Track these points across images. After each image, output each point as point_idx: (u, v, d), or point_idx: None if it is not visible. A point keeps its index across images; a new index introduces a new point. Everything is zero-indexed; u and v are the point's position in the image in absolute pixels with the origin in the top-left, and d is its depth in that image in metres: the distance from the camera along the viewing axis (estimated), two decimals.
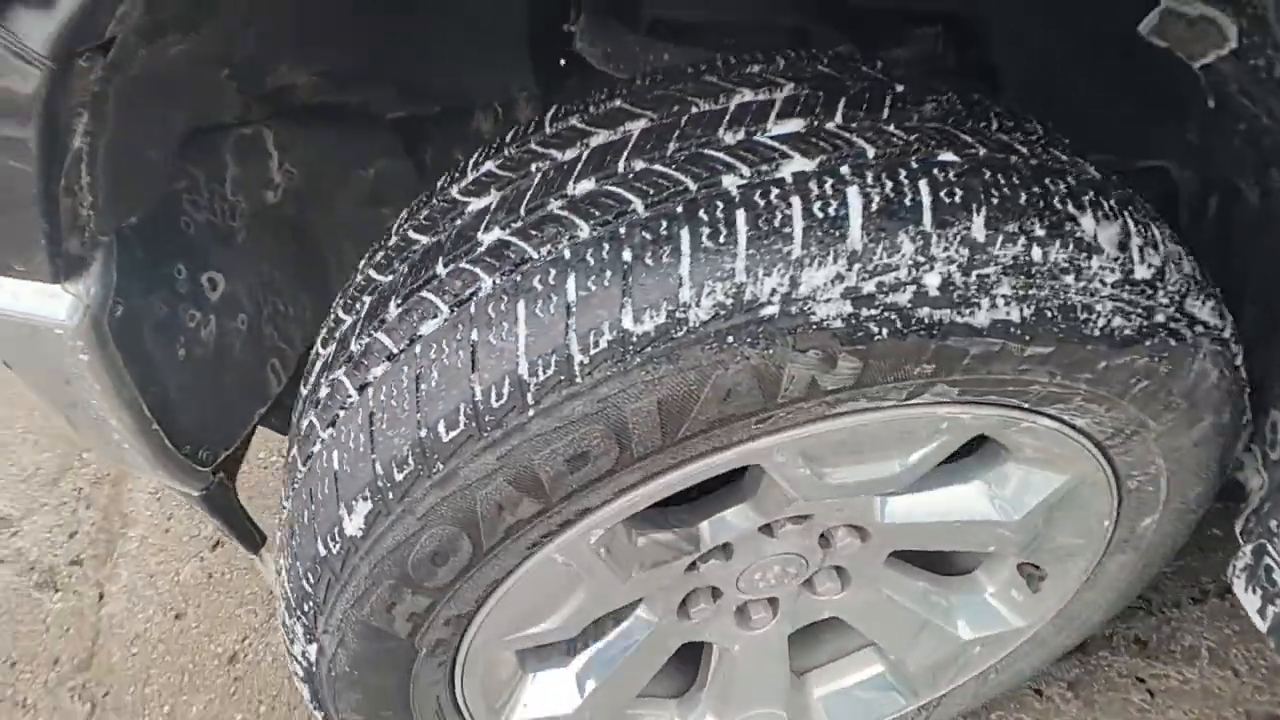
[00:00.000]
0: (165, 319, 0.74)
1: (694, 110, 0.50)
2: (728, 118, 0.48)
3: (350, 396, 0.52)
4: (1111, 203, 0.48)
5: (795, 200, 0.42)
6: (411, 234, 0.57)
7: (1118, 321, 0.48)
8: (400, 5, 0.78)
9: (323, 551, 0.51)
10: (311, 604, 0.55)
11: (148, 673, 1.21)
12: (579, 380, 0.43)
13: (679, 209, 0.44)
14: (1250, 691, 1.03)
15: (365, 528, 0.49)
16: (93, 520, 1.45)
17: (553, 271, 0.45)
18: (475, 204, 0.54)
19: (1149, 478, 0.64)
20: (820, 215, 0.42)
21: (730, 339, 0.42)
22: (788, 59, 0.54)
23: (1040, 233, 0.45)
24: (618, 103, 0.53)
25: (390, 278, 0.55)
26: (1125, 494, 0.66)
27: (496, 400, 0.44)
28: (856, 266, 0.42)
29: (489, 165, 0.55)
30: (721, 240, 0.42)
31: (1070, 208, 0.47)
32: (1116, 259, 0.47)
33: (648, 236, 0.44)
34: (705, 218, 0.43)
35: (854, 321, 0.43)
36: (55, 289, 0.60)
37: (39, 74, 0.45)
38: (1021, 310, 0.45)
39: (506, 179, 0.53)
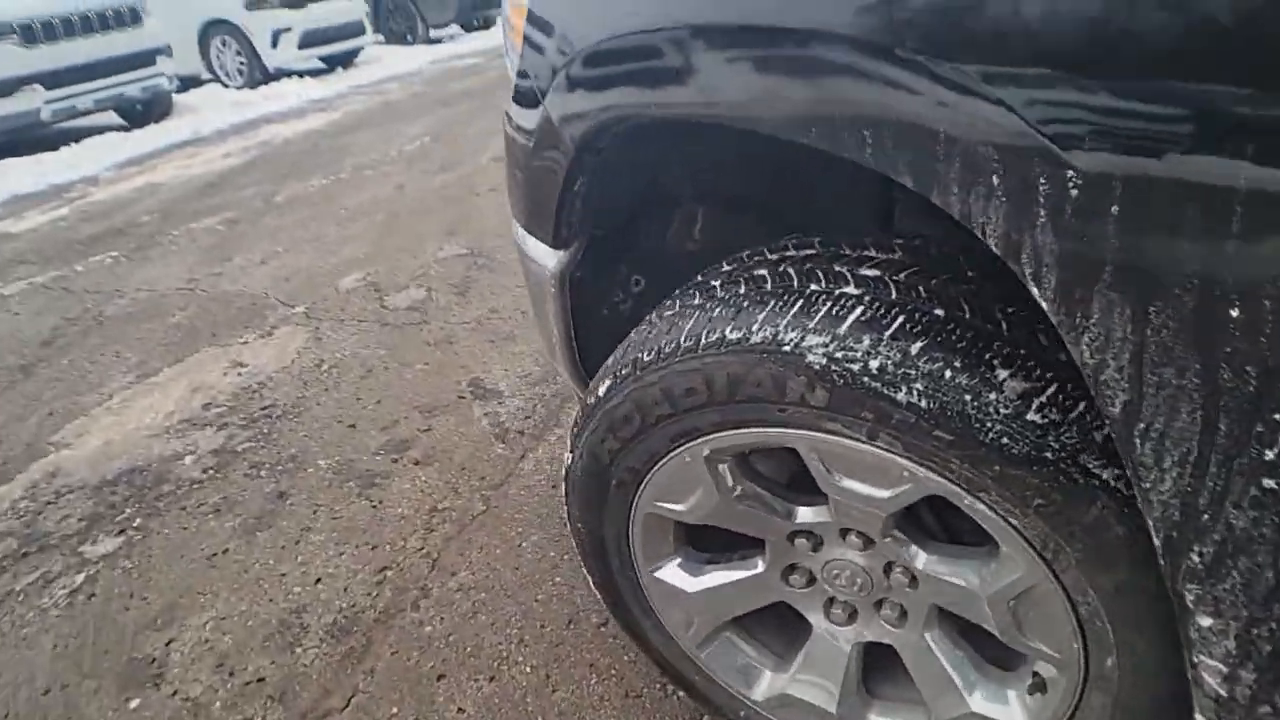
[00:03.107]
0: (603, 291, 1.35)
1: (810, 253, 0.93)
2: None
3: (629, 342, 1.05)
4: (1031, 364, 0.77)
5: (824, 296, 0.83)
6: (700, 275, 1.08)
7: (1005, 442, 0.76)
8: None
9: (590, 401, 1.05)
10: (576, 426, 1.09)
11: (522, 507, 1.92)
12: (699, 352, 0.89)
13: (776, 280, 0.88)
14: None
15: (604, 394, 1.02)
16: (542, 413, 2.25)
17: (716, 300, 0.92)
18: (724, 266, 1.03)
19: (1092, 610, 0.83)
20: (830, 309, 0.82)
21: (765, 354, 0.84)
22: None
23: (957, 364, 0.77)
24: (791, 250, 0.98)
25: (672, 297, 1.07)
26: (1081, 619, 0.85)
27: (668, 349, 0.93)
28: (837, 338, 0.81)
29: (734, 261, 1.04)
30: (777, 306, 0.85)
31: (995, 360, 0.77)
32: (1007, 414, 0.76)
33: (758, 294, 0.89)
34: (786, 293, 0.86)
35: (825, 368, 0.81)
36: (553, 252, 1.24)
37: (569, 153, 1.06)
38: (929, 403, 0.77)
39: (740, 264, 1.01)
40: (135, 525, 1.96)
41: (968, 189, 0.60)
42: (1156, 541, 0.62)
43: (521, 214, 1.30)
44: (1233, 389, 0.53)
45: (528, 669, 1.48)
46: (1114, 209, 0.53)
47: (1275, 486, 0.53)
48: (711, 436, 0.96)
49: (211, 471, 2.13)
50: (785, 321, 0.85)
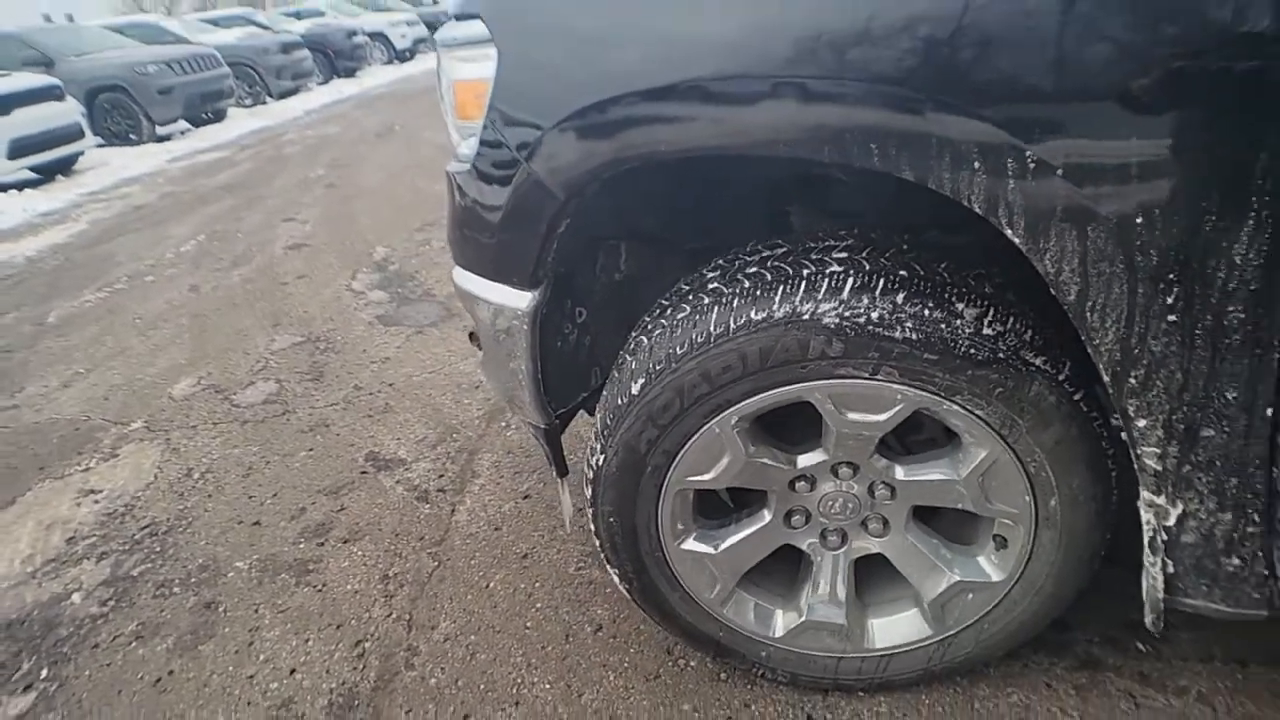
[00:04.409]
0: (557, 323, 1.52)
1: (784, 250, 1.19)
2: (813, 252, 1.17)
3: (641, 341, 1.24)
4: (974, 296, 1.08)
5: (818, 276, 1.10)
6: (683, 286, 1.30)
7: (972, 352, 1.06)
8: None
9: (620, 403, 1.23)
10: (605, 430, 1.26)
11: (474, 554, 1.99)
12: (730, 336, 1.12)
13: (773, 273, 1.13)
14: None
15: (638, 392, 1.20)
16: (454, 470, 2.32)
17: (730, 295, 1.15)
18: (708, 272, 1.26)
19: (1039, 465, 1.15)
20: (837, 290, 1.09)
21: (787, 324, 1.09)
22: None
23: (931, 305, 1.06)
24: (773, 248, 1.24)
25: (667, 304, 1.29)
26: (1030, 475, 1.17)
27: (700, 341, 1.14)
28: (844, 305, 1.07)
29: (717, 268, 1.28)
30: (787, 290, 1.10)
31: (953, 299, 1.08)
32: (970, 332, 1.06)
33: (766, 284, 1.13)
34: (787, 280, 1.12)
35: (837, 325, 1.07)
36: (524, 293, 1.39)
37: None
38: (917, 335, 1.06)
39: (727, 267, 1.25)
40: (43, 676, 1.77)
41: (957, 173, 0.89)
42: (1106, 377, 0.93)
43: (485, 265, 1.42)
44: (1142, 266, 0.86)
45: (546, 685, 1.58)
46: (1059, 172, 0.84)
47: (1175, 320, 0.86)
48: (739, 405, 1.17)
49: (112, 602, 1.96)
50: (799, 298, 1.10)
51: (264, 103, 12.07)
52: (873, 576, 1.43)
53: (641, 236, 1.61)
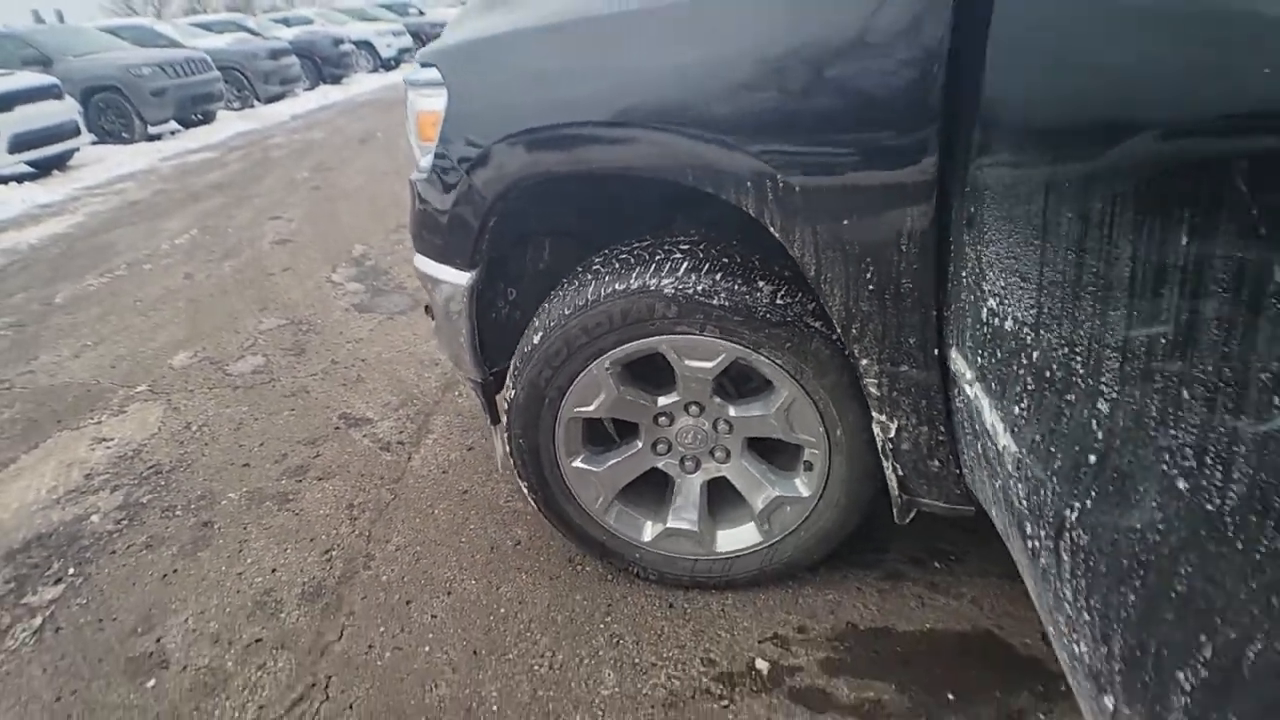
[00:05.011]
0: (493, 300, 1.98)
1: (648, 243, 1.66)
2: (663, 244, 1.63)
3: (545, 307, 1.70)
4: (770, 276, 1.54)
5: (665, 264, 1.56)
6: (578, 268, 1.76)
7: (769, 316, 1.53)
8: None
9: (526, 350, 1.68)
10: (515, 372, 1.72)
11: (424, 490, 2.43)
12: (601, 301, 1.57)
13: (635, 258, 1.59)
14: (986, 617, 1.84)
15: (538, 341, 1.66)
16: (413, 428, 2.76)
17: (605, 273, 1.61)
18: (596, 259, 1.72)
19: (825, 402, 1.61)
20: (675, 270, 1.55)
21: (639, 293, 1.54)
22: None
23: (740, 281, 1.53)
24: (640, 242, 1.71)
25: (565, 281, 1.74)
26: (821, 411, 1.63)
27: (581, 304, 1.60)
28: (679, 280, 1.53)
29: (601, 255, 1.74)
30: (642, 270, 1.56)
31: (757, 278, 1.54)
32: (767, 302, 1.53)
33: (632, 266, 1.59)
34: (646, 264, 1.58)
35: (673, 294, 1.53)
36: (465, 273, 1.85)
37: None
38: (730, 303, 1.52)
39: (608, 255, 1.71)
40: (70, 573, 2.19)
41: (740, 191, 1.35)
42: (839, 331, 1.40)
43: (437, 252, 1.87)
44: (849, 253, 1.32)
45: (472, 582, 2.02)
46: (796, 189, 1.31)
47: (873, 289, 1.33)
48: (611, 352, 1.63)
49: (125, 522, 2.38)
50: (648, 275, 1.56)
51: (252, 106, 12.46)
52: (721, 496, 1.89)
53: (564, 234, 2.07)
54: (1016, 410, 1.02)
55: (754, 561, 1.86)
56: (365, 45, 17.63)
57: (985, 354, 1.12)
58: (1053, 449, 0.92)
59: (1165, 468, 0.73)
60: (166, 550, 2.24)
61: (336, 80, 15.49)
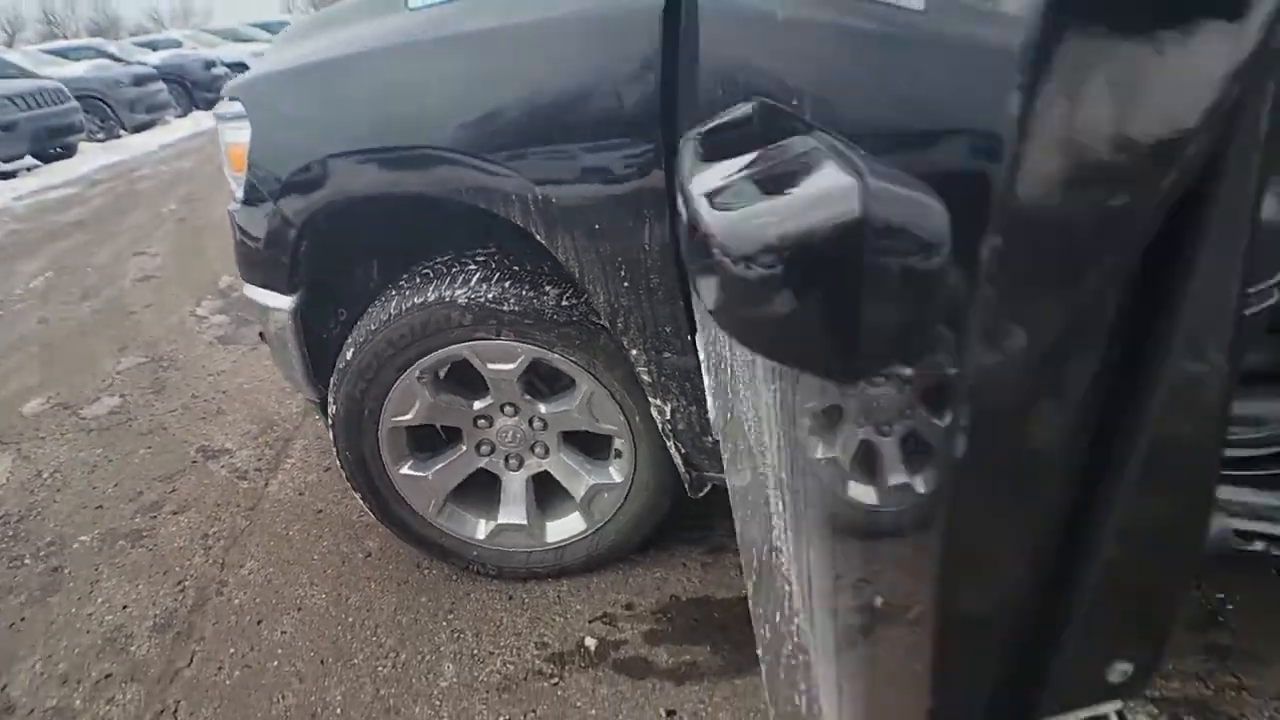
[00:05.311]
0: (321, 320, 2.06)
1: (447, 259, 1.78)
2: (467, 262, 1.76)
3: (356, 324, 1.80)
4: (555, 280, 1.69)
5: (459, 276, 1.68)
6: (388, 288, 1.86)
7: (558, 318, 1.66)
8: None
9: (340, 366, 1.78)
10: (334, 387, 1.81)
11: (279, 513, 2.49)
12: (404, 315, 1.68)
13: (435, 273, 1.71)
14: None
15: (350, 357, 1.75)
16: (271, 454, 2.81)
17: (407, 289, 1.72)
18: (403, 277, 1.83)
19: (621, 393, 1.76)
20: (468, 281, 1.67)
21: (435, 305, 1.66)
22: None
23: (528, 288, 1.66)
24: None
25: (376, 299, 1.84)
26: (618, 399, 1.78)
27: (385, 319, 1.70)
28: (471, 290, 1.66)
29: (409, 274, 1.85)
30: (438, 283, 1.68)
31: (545, 284, 1.68)
32: (554, 305, 1.67)
33: (430, 280, 1.71)
34: (443, 277, 1.70)
35: (467, 303, 1.65)
36: (288, 297, 1.93)
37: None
38: (521, 308, 1.65)
39: (414, 271, 1.82)
40: None
41: (509, 205, 1.49)
42: (607, 324, 1.55)
43: (259, 277, 1.95)
44: (603, 255, 1.47)
45: (322, 595, 2.10)
46: (554, 201, 1.45)
47: (628, 285, 1.48)
48: (419, 362, 1.74)
49: None
50: (444, 288, 1.68)
51: (118, 136, 11.96)
52: (548, 489, 2.02)
53: (392, 254, 2.17)
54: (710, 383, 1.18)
55: (582, 549, 2.00)
56: (240, 67, 17.06)
57: (702, 338, 1.29)
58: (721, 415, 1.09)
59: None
60: (14, 599, 2.23)
61: (211, 105, 14.94)
